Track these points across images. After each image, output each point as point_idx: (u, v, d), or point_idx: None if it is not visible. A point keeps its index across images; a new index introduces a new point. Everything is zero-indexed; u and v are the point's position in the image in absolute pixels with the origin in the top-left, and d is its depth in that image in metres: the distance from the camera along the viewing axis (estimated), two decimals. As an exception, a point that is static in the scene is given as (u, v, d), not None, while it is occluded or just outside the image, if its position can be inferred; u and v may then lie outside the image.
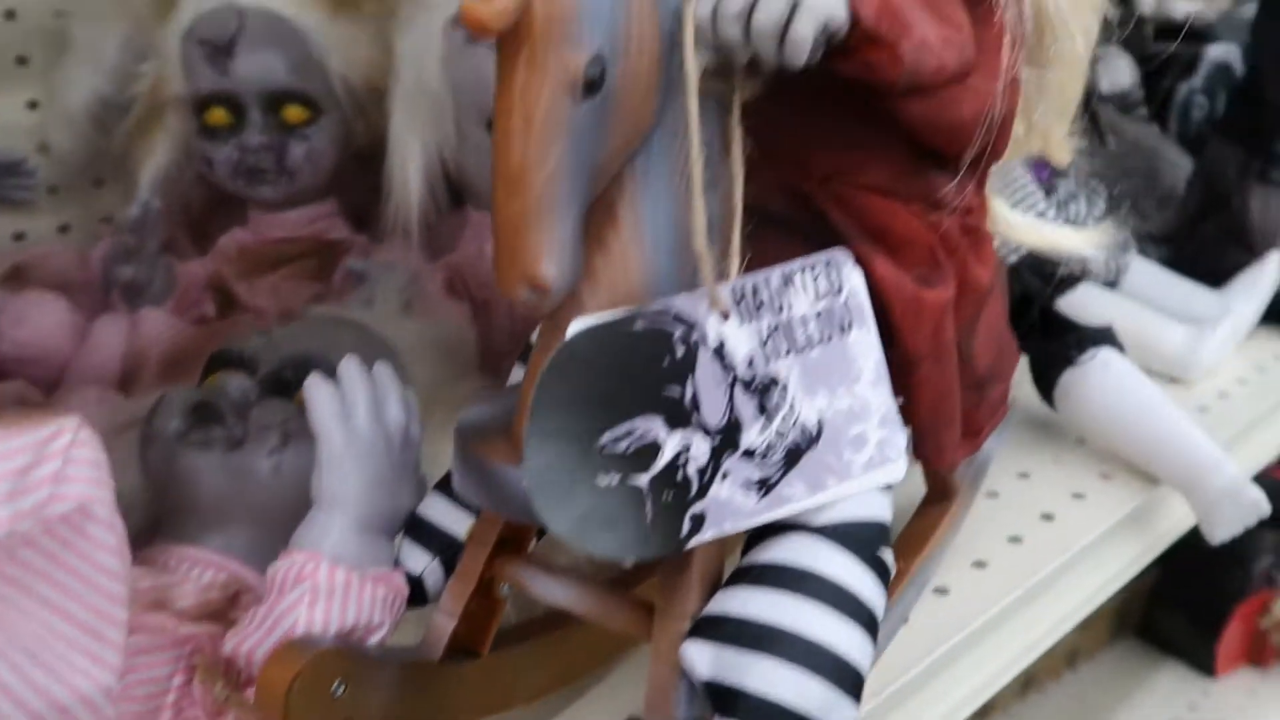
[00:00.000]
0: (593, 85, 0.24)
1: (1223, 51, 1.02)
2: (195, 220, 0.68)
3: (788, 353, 0.28)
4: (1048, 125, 0.37)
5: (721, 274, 0.28)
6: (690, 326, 0.27)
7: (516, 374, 0.37)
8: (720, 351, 0.28)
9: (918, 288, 0.32)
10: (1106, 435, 0.54)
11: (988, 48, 0.31)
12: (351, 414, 0.33)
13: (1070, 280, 0.62)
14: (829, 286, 0.29)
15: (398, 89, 0.55)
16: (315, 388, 0.33)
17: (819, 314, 0.29)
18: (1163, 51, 1.06)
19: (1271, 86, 0.68)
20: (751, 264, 0.29)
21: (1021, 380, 0.57)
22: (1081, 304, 0.64)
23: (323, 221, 0.64)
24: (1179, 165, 0.84)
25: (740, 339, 0.28)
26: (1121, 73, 0.96)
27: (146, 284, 0.58)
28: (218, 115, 0.59)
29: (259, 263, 0.62)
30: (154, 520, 0.42)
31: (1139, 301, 0.67)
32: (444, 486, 0.36)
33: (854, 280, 0.29)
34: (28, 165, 0.69)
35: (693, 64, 0.25)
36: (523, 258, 0.25)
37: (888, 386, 0.30)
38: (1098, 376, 0.53)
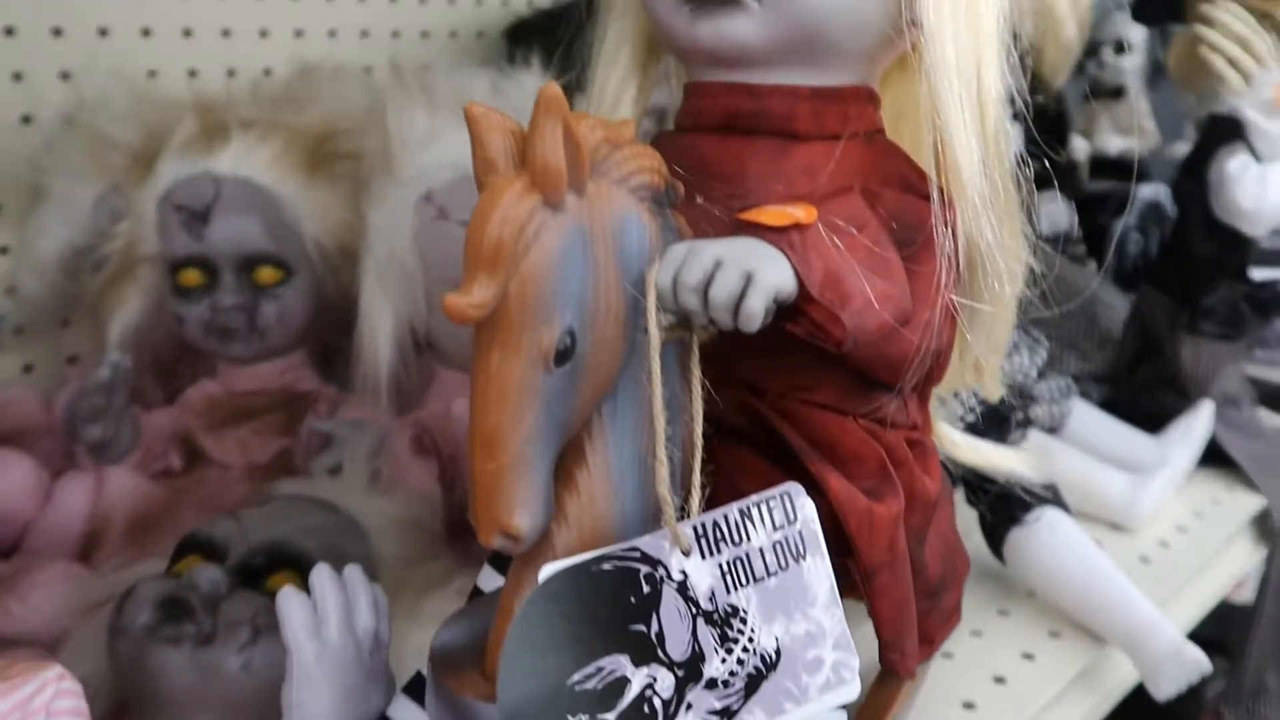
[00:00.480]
0: (564, 355, 0.26)
1: (1154, 191, 1.08)
2: (163, 367, 0.69)
3: (747, 583, 0.30)
4: (980, 358, 0.39)
5: (684, 513, 0.29)
6: (655, 564, 0.29)
7: (486, 576, 0.38)
8: (684, 587, 0.29)
9: (870, 502, 0.34)
10: (1053, 594, 0.56)
11: (924, 283, 0.33)
12: (324, 626, 0.34)
13: (1019, 435, 0.64)
14: (785, 518, 0.31)
15: (370, 259, 0.57)
16: (287, 602, 0.34)
17: (776, 544, 0.30)
18: (1098, 191, 1.12)
19: (1196, 242, 0.73)
20: (709, 475, 0.31)
21: (973, 531, 0.59)
22: (1026, 451, 0.66)
23: (292, 373, 0.65)
24: (1115, 307, 0.89)
25: (702, 573, 0.29)
26: (1059, 215, 1.01)
27: (113, 440, 0.59)
28: (191, 277, 0.60)
29: (227, 415, 0.63)
30: (120, 706, 0.42)
31: (1081, 448, 0.70)
32: (413, 689, 0.37)
33: (808, 510, 0.31)
34: (-4, 310, 0.70)
35: (656, 331, 0.28)
36: (498, 512, 0.26)
37: (840, 609, 0.31)
38: (1044, 537, 0.55)
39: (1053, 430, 0.73)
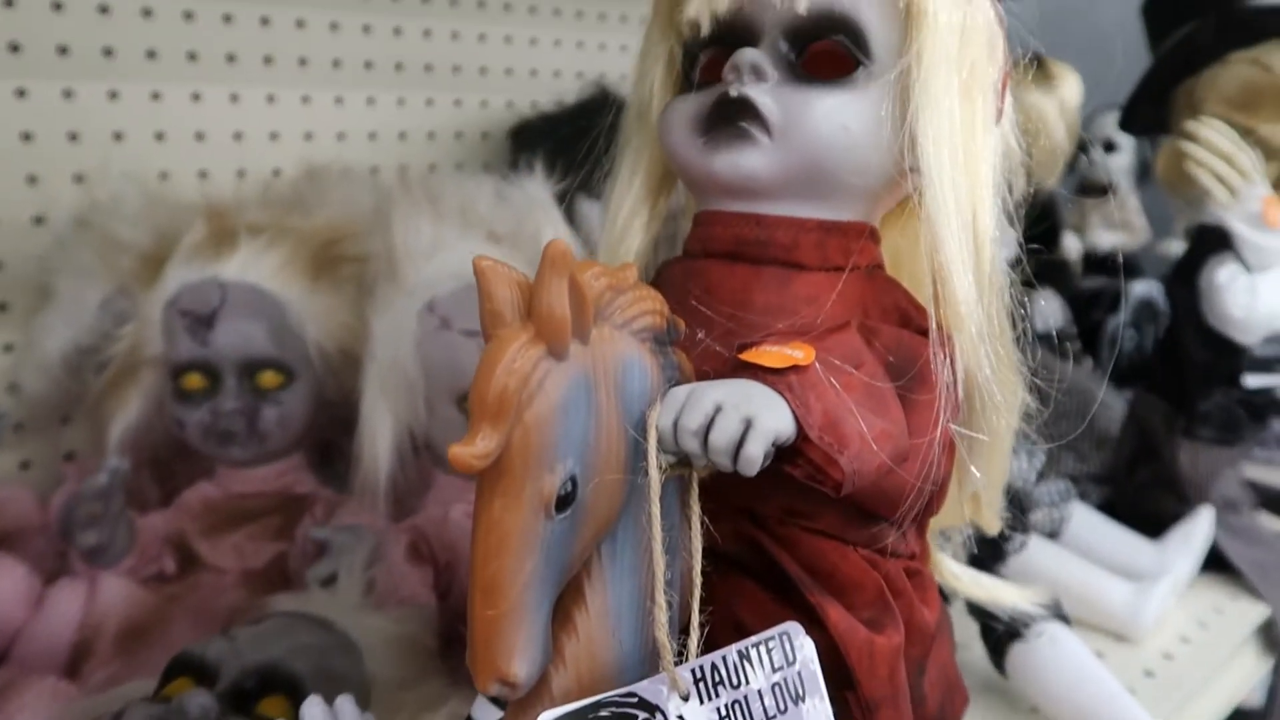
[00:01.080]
0: (565, 501, 0.26)
1: (1146, 288, 1.10)
2: (161, 467, 0.69)
3: (746, 726, 0.30)
4: (978, 490, 0.40)
5: (682, 655, 0.29)
6: (653, 710, 0.28)
7: (481, 708, 0.38)
8: (681, 731, 0.29)
9: (870, 633, 0.33)
10: (1056, 710, 0.55)
11: (922, 416, 0.33)
12: (316, 762, 0.34)
13: (1019, 543, 0.64)
14: (784, 659, 0.30)
15: (372, 366, 0.57)
16: (280, 739, 0.33)
17: (775, 686, 0.30)
18: (1091, 288, 1.14)
19: (1190, 348, 0.73)
20: (705, 605, 0.31)
21: (975, 643, 0.59)
22: (1029, 561, 0.66)
23: (290, 475, 0.65)
24: (1111, 406, 0.89)
25: (700, 718, 0.29)
26: (1054, 312, 1.02)
27: (109, 545, 0.58)
28: (193, 381, 0.61)
29: (223, 519, 0.63)
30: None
31: (1081, 553, 0.70)
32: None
33: (807, 650, 0.31)
34: (-1, 410, 0.70)
35: (656, 475, 0.28)
36: (496, 659, 0.26)
37: (841, 752, 0.31)
38: (1046, 652, 0.55)
39: (1052, 535, 0.73)
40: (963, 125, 0.35)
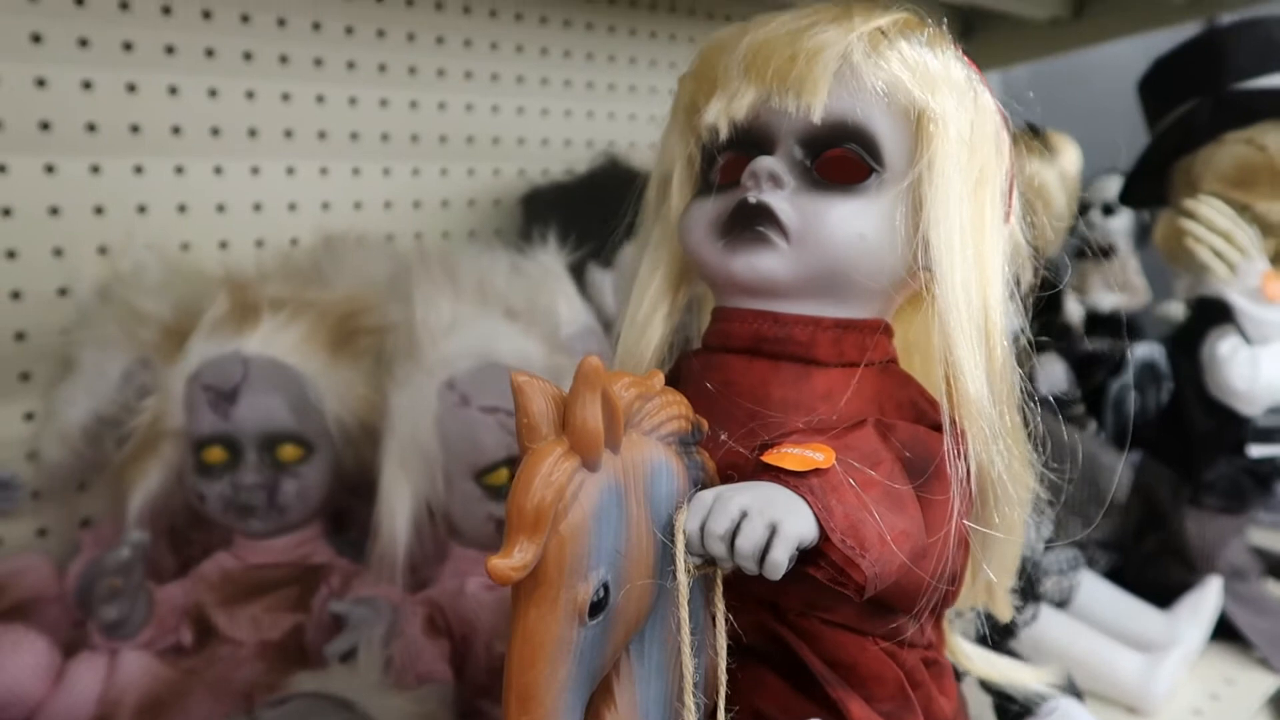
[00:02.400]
0: (598, 607, 0.27)
1: (1148, 350, 1.11)
2: (178, 537, 0.70)
3: (771, 824, 0.30)
4: (991, 582, 0.41)
5: (710, 754, 0.30)
6: (682, 809, 0.29)
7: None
8: (709, 831, 0.29)
9: (891, 730, 0.34)
10: (1071, 787, 0.55)
11: (938, 512, 0.34)
12: None
13: (1029, 615, 0.65)
14: (807, 758, 0.31)
15: (391, 441, 0.58)
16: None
17: (799, 783, 0.31)
18: (1093, 350, 1.15)
19: (1194, 418, 0.74)
20: (730, 700, 0.31)
21: (986, 714, 0.59)
22: (1039, 632, 0.67)
23: (307, 545, 0.66)
24: (1116, 470, 0.90)
25: (727, 816, 0.30)
26: (1057, 375, 1.04)
27: (128, 618, 0.59)
28: (215, 454, 0.61)
29: (241, 590, 0.63)
30: None
31: (1090, 622, 0.70)
32: None
33: (830, 749, 0.31)
34: (16, 481, 0.71)
35: (685, 579, 0.29)
36: (531, 763, 0.27)
37: None
38: (1059, 728, 0.55)
39: (1061, 604, 0.73)
40: (973, 228, 0.37)
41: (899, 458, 0.34)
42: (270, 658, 0.60)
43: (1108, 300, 1.29)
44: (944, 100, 0.36)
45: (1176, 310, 1.21)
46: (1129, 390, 1.10)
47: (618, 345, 0.43)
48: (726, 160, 0.39)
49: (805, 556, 0.30)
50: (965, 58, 0.39)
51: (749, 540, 0.28)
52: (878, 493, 0.32)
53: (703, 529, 0.29)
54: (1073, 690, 0.57)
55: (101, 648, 0.58)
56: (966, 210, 0.36)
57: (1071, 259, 1.28)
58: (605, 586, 0.27)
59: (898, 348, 0.40)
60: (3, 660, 0.55)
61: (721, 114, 0.38)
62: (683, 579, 0.29)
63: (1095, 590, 0.73)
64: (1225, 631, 0.72)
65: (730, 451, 0.35)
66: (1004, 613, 0.44)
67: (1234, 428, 0.72)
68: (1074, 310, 1.17)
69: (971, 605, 0.43)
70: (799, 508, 0.29)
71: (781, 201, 0.36)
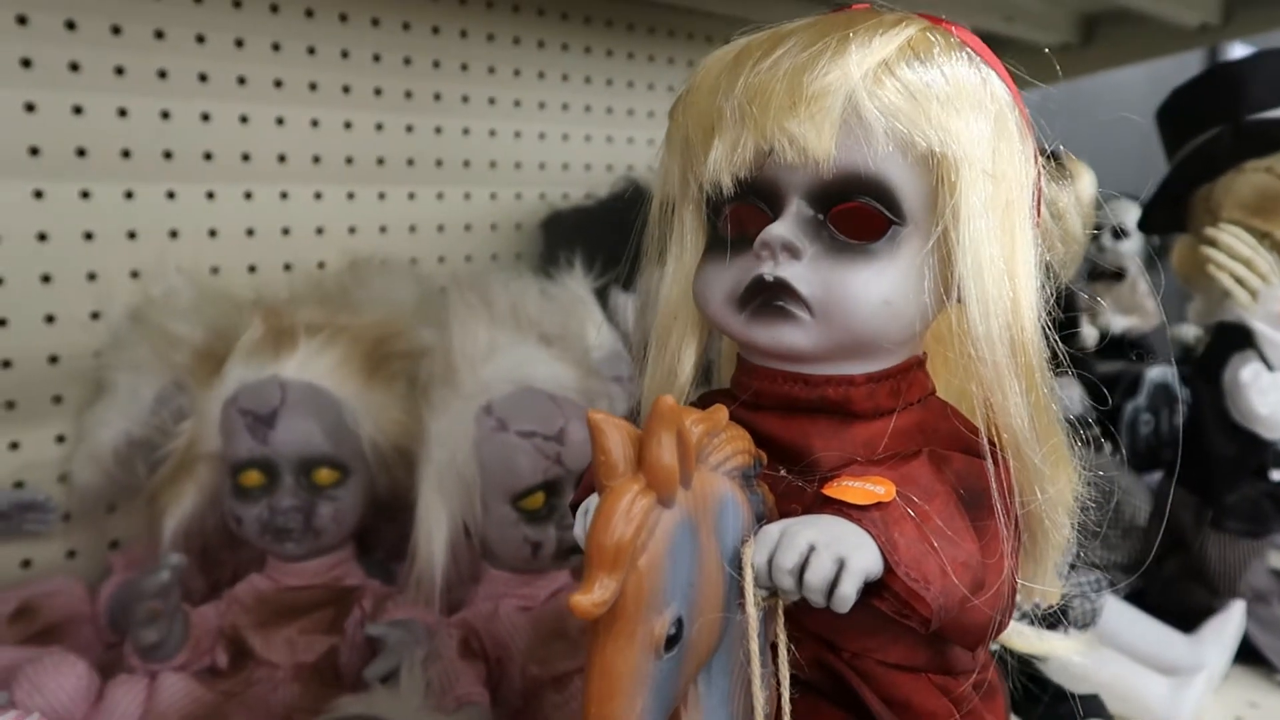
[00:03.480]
0: (673, 641, 0.28)
1: (1161, 373, 1.12)
2: (210, 558, 0.70)
3: None
4: (1040, 590, 0.41)
5: (776, 783, 0.31)
6: (750, 838, 0.30)
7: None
8: None
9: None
10: (1104, 812, 0.56)
11: (991, 544, 0.35)
12: None
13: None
14: (869, 786, 0.32)
15: (429, 466, 0.59)
16: None
17: (861, 812, 0.31)
18: (1107, 373, 1.16)
19: (1215, 443, 0.75)
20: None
21: (1016, 739, 0.59)
22: (1065, 656, 0.67)
23: (340, 568, 0.66)
24: (1134, 493, 0.90)
25: (794, 845, 0.30)
26: (1073, 400, 1.04)
27: (165, 640, 0.59)
28: (252, 478, 0.62)
29: (275, 612, 0.64)
30: None
31: (1114, 646, 0.70)
32: None
33: (890, 777, 0.32)
34: (48, 504, 0.72)
35: (754, 612, 0.29)
36: (607, 793, 0.28)
37: None
38: (1091, 753, 0.56)
39: (1085, 627, 0.73)
40: (1004, 257, 0.35)
41: (953, 490, 0.34)
42: (306, 680, 0.61)
43: (1119, 323, 1.30)
44: (960, 131, 0.34)
45: (1189, 332, 1.22)
46: (1142, 412, 1.11)
47: (645, 384, 0.42)
48: (733, 211, 0.37)
49: (869, 589, 0.31)
50: (975, 48, 0.37)
51: (818, 575, 0.29)
52: (937, 526, 0.32)
53: (770, 563, 0.30)
54: (1103, 713, 0.58)
55: (140, 670, 0.59)
56: (997, 245, 0.35)
57: (1084, 282, 1.29)
58: (680, 620, 0.28)
59: (928, 340, 0.39)
60: (45, 682, 0.56)
61: (723, 168, 0.35)
62: (752, 612, 0.29)
63: (1119, 614, 0.74)
64: (1248, 654, 0.73)
65: (789, 487, 0.35)
66: (1051, 599, 0.43)
67: (1255, 452, 0.73)
68: (1090, 335, 1.18)
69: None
70: (864, 542, 0.30)
71: (799, 271, 0.35)
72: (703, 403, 0.41)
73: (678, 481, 0.28)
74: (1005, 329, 0.35)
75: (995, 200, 0.35)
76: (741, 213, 0.37)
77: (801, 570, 0.29)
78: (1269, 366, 0.70)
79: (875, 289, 0.35)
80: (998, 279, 0.35)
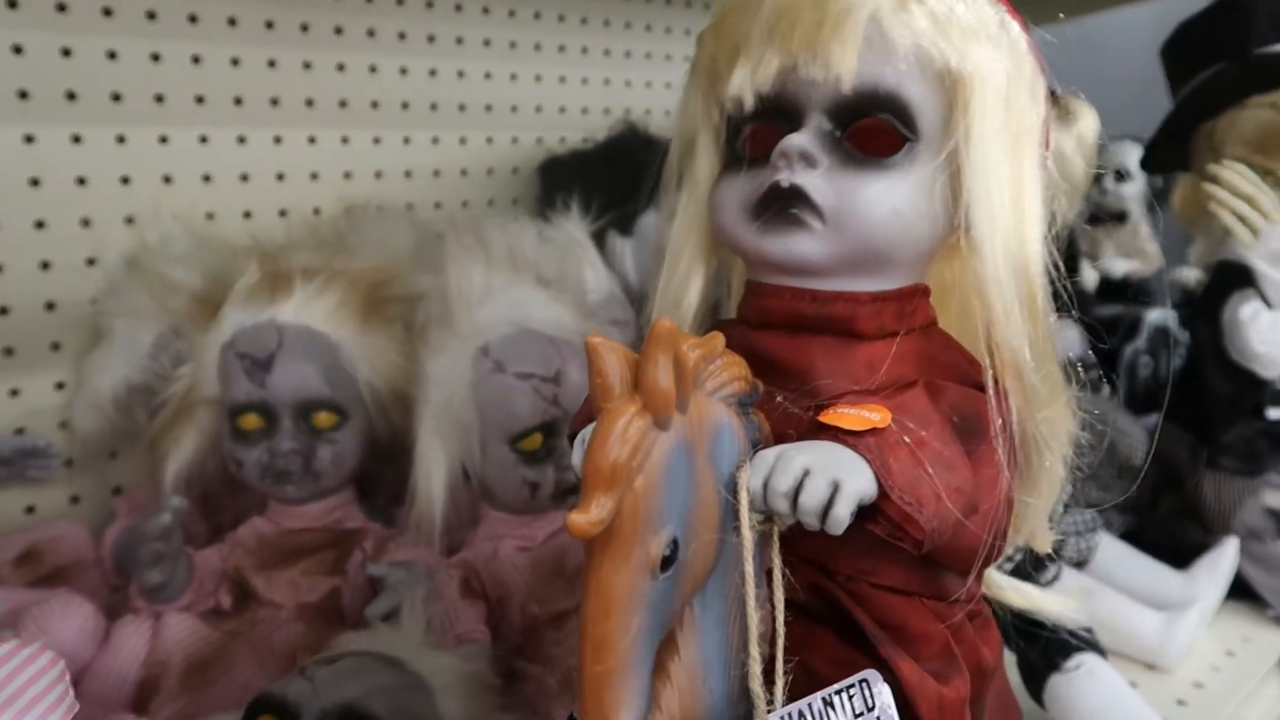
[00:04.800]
0: (668, 562, 0.28)
1: (1160, 316, 1.12)
2: (211, 502, 0.71)
3: (830, 770, 0.31)
4: (1033, 525, 0.41)
5: (769, 704, 0.31)
6: (746, 756, 0.30)
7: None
8: (772, 776, 0.30)
9: (939, 686, 0.35)
10: (1095, 741, 0.57)
11: (987, 470, 0.35)
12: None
13: (1051, 574, 0.66)
14: (864, 705, 0.32)
15: (426, 408, 0.59)
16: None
17: (856, 730, 0.32)
18: (1107, 315, 1.16)
19: (1212, 382, 0.75)
20: (786, 653, 0.32)
21: (1011, 672, 0.60)
22: (1060, 592, 0.68)
23: (340, 510, 0.67)
24: (1130, 434, 0.91)
25: (788, 762, 0.31)
26: (1072, 341, 1.04)
27: (169, 581, 0.60)
28: (251, 421, 0.62)
29: (278, 554, 0.64)
30: None
31: (1109, 583, 0.71)
32: None
33: (885, 696, 0.32)
34: (50, 449, 0.72)
35: (749, 535, 0.30)
36: (607, 711, 0.28)
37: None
38: (1083, 683, 0.56)
39: (1080, 564, 0.74)
40: (1012, 184, 0.36)
41: (948, 418, 0.35)
42: (309, 619, 0.61)
43: (1120, 266, 1.30)
44: (978, 57, 0.35)
45: (1190, 276, 1.22)
46: (1141, 355, 1.11)
47: (652, 314, 0.43)
48: (753, 131, 0.38)
49: (863, 513, 0.31)
50: None
51: (812, 497, 0.29)
52: (931, 452, 0.32)
53: (766, 486, 0.30)
54: (1097, 647, 0.58)
55: (145, 611, 0.59)
56: (1006, 170, 0.36)
57: (1085, 224, 1.28)
58: (675, 541, 0.28)
59: (933, 287, 0.40)
60: (52, 624, 0.56)
61: (746, 85, 0.36)
62: (747, 534, 0.30)
63: (1113, 551, 0.74)
64: (1241, 590, 0.74)
65: (785, 415, 0.35)
66: (1044, 546, 0.44)
67: (1253, 391, 0.73)
68: (1090, 277, 1.18)
69: (1013, 545, 0.44)
70: (859, 466, 0.30)
71: (815, 181, 0.35)
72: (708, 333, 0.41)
73: (674, 404, 0.28)
74: (1010, 252, 0.36)
75: (1007, 127, 0.36)
76: (761, 132, 0.38)
77: (796, 493, 0.29)
78: (1268, 305, 0.70)
79: (887, 200, 0.36)
80: (1005, 202, 0.36)
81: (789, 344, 0.37)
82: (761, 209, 0.36)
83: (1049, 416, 0.38)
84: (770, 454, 0.30)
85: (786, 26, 0.35)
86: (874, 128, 0.36)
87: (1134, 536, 0.79)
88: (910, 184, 0.36)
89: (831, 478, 0.29)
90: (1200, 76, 0.74)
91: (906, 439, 0.32)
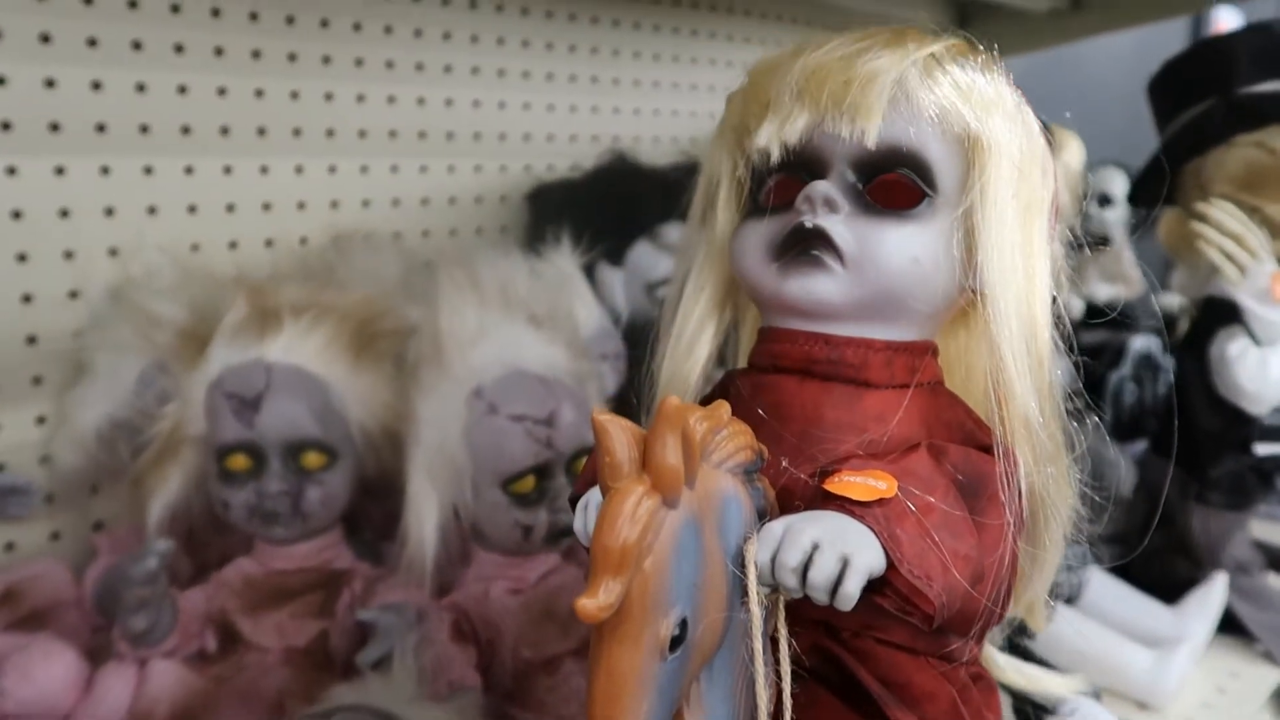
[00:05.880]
0: (677, 642, 0.28)
1: (1144, 343, 1.13)
2: (197, 542, 0.70)
3: (838, 844, 0.31)
4: (1032, 597, 0.41)
5: (779, 777, 0.31)
6: (754, 833, 0.30)
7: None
8: None
9: (946, 748, 0.35)
10: (1091, 785, 0.57)
11: (991, 537, 0.35)
12: None
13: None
14: (871, 777, 0.32)
15: (418, 450, 0.58)
16: None
17: (863, 804, 0.32)
18: (1091, 343, 1.16)
19: (1200, 416, 0.75)
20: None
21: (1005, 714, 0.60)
22: (1051, 629, 0.68)
23: (329, 551, 0.66)
24: (1117, 465, 0.91)
25: (797, 838, 0.30)
26: (1060, 370, 1.05)
27: (154, 626, 0.59)
28: (238, 462, 0.61)
29: (265, 596, 0.63)
30: None
31: (1098, 618, 0.71)
32: None
33: (892, 768, 0.32)
34: (29, 487, 0.71)
35: (758, 611, 0.29)
36: (613, 793, 0.27)
37: None
38: (1079, 728, 0.56)
39: (1070, 600, 0.74)
40: (1023, 250, 0.37)
41: (953, 481, 0.34)
42: (297, 664, 0.60)
43: (1104, 291, 1.31)
44: (996, 126, 0.37)
45: (1172, 302, 1.23)
46: (1126, 382, 1.11)
47: (663, 365, 0.43)
48: (777, 182, 0.39)
49: (872, 585, 0.30)
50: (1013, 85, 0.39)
51: (822, 573, 0.29)
52: (937, 519, 0.32)
53: (774, 561, 0.29)
54: (1093, 692, 0.58)
55: (129, 656, 0.58)
56: (1017, 233, 0.37)
57: (1069, 251, 1.29)
58: (684, 621, 0.28)
59: (941, 355, 0.41)
60: (33, 671, 0.55)
61: (774, 137, 0.38)
62: (756, 611, 0.29)
63: (1104, 586, 0.75)
64: (1230, 625, 0.74)
65: (790, 479, 0.35)
66: (1040, 625, 0.44)
67: (1240, 427, 0.74)
68: (1075, 306, 1.18)
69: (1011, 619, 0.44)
70: (868, 539, 0.30)
71: (837, 225, 0.37)
72: (724, 385, 0.41)
73: (683, 482, 0.27)
74: (1020, 312, 0.36)
75: (1019, 194, 0.37)
76: (786, 183, 0.39)
77: (805, 568, 0.29)
78: (1256, 342, 0.71)
79: (907, 248, 0.37)
80: (1016, 264, 0.37)
81: (799, 390, 0.37)
82: (784, 250, 0.37)
83: (1055, 472, 0.38)
84: (778, 526, 0.30)
85: (816, 86, 0.37)
86: (895, 182, 0.37)
87: (1123, 570, 0.79)
88: (929, 235, 0.37)
89: (840, 553, 0.29)
90: (1186, 115, 0.74)
91: (913, 506, 0.32)
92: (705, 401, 0.37)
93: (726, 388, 0.41)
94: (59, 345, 0.73)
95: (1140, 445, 1.02)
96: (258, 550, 0.65)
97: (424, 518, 0.58)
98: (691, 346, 0.42)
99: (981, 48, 0.39)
